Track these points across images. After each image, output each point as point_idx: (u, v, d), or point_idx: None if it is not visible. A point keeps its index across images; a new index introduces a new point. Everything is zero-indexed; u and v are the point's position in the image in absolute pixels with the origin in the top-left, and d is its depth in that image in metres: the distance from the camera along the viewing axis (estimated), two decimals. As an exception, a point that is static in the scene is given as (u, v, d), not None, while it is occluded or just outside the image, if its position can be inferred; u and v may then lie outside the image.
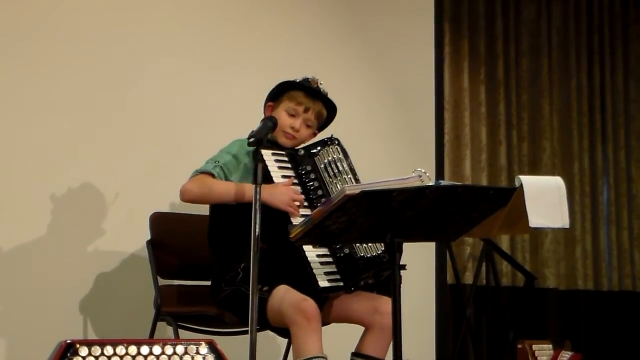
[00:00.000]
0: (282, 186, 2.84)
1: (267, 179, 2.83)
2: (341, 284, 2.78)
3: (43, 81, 3.63)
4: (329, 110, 3.11)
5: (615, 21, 5.87)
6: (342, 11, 4.59)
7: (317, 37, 4.47)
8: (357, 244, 2.80)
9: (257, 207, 2.56)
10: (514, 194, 2.36)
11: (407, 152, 4.64)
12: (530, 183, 2.36)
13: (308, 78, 3.06)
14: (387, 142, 4.59)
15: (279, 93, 3.06)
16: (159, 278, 3.24)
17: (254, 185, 2.61)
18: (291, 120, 3.01)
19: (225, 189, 2.88)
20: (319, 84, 3.06)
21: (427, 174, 2.45)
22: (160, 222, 3.31)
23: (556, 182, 2.42)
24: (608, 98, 5.78)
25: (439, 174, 4.94)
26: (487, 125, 5.38)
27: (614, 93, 5.80)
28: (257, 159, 2.65)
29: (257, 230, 2.54)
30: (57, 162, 3.61)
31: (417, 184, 2.36)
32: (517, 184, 2.37)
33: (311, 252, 2.78)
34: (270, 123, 2.84)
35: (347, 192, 2.24)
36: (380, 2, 4.74)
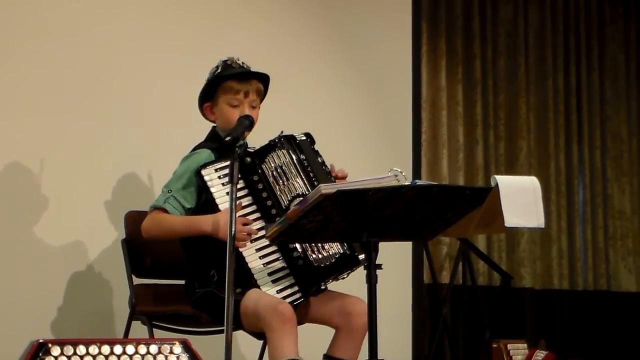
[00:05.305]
0: (226, 217, 2.65)
1: (213, 205, 2.78)
2: (299, 295, 2.77)
3: (17, 78, 3.59)
4: (263, 80, 3.01)
5: (591, 21, 5.89)
6: (320, 10, 4.58)
7: (294, 36, 4.45)
8: (311, 255, 2.79)
9: (233, 207, 2.55)
10: (490, 194, 2.37)
11: (384, 151, 4.64)
12: (505, 183, 2.37)
13: (226, 61, 2.98)
14: (364, 141, 4.58)
15: (211, 91, 2.98)
16: (133, 277, 3.22)
17: (205, 217, 2.76)
18: (237, 111, 2.92)
19: (181, 227, 2.84)
20: (239, 62, 2.98)
21: (404, 174, 2.45)
22: (136, 221, 3.28)
23: (531, 182, 2.43)
24: (584, 98, 5.80)
25: (416, 173, 4.94)
26: (464, 125, 5.38)
27: (590, 93, 5.83)
28: (235, 153, 2.61)
29: (233, 229, 2.53)
30: (31, 160, 3.58)
31: (393, 183, 2.36)
32: (492, 183, 2.38)
33: (262, 271, 2.76)
34: (247, 122, 2.82)
35: (323, 191, 2.23)
36: (357, 1, 4.74)
